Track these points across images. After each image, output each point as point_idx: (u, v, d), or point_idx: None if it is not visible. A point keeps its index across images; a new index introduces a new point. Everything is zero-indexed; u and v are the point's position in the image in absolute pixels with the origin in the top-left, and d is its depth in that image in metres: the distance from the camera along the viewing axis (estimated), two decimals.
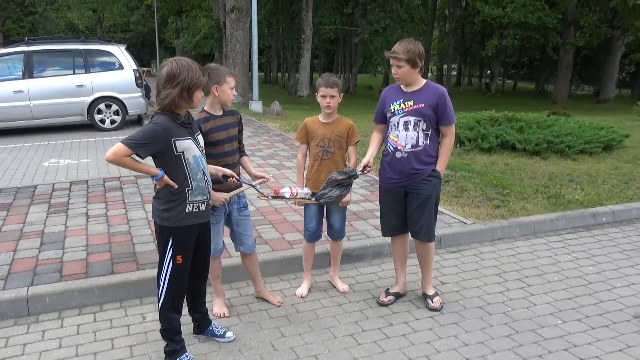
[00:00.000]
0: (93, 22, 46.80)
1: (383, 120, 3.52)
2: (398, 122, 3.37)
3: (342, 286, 3.85)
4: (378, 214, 5.09)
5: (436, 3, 35.29)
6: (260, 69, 21.96)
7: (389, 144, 3.46)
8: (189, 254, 2.86)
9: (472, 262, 4.36)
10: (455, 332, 3.25)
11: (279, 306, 3.58)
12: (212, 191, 3.11)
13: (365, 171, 3.43)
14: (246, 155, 3.50)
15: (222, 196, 3.11)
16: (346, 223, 4.80)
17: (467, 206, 5.40)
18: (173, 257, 2.78)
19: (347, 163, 3.68)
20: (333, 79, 3.50)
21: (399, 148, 3.38)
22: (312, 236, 3.71)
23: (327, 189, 3.31)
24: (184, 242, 2.81)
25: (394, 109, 3.39)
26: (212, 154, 3.20)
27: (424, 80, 3.39)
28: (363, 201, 5.55)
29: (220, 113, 3.27)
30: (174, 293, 2.85)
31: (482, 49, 31.68)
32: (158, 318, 2.92)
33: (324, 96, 3.49)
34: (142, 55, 50.58)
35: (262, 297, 3.68)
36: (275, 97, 18.01)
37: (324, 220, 3.75)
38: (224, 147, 3.25)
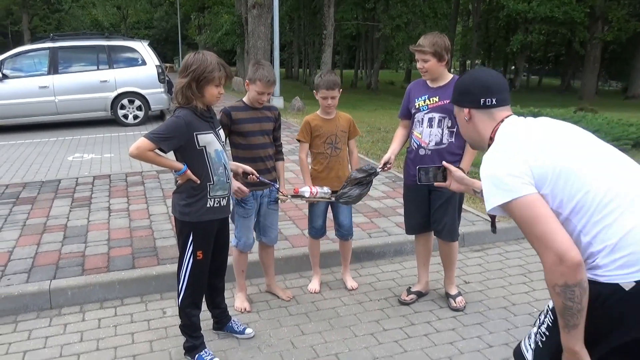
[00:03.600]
0: (117, 19, 47.48)
1: (408, 116, 3.44)
2: (422, 119, 3.29)
3: (350, 283, 3.81)
4: (400, 211, 5.05)
5: None
6: (281, 65, 22.03)
7: (412, 141, 3.38)
8: (209, 250, 2.84)
9: (496, 261, 4.26)
10: (479, 333, 3.17)
11: (287, 301, 3.56)
12: (234, 180, 3.10)
13: (386, 168, 3.37)
14: (282, 160, 3.47)
15: (242, 187, 3.10)
16: (367, 220, 4.80)
17: None
18: (194, 252, 2.76)
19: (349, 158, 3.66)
20: (332, 79, 3.43)
21: (422, 145, 3.30)
22: (319, 233, 3.68)
23: (347, 188, 3.25)
24: (205, 238, 2.79)
25: (419, 105, 3.31)
26: (242, 144, 3.22)
27: (451, 75, 3.29)
28: (384, 198, 5.47)
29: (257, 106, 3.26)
30: (194, 289, 2.84)
31: (506, 44, 31.17)
32: (178, 314, 2.91)
33: (324, 97, 3.44)
34: (165, 51, 51.12)
35: (271, 292, 3.67)
36: (296, 92, 17.98)
37: (327, 220, 3.71)
38: (254, 139, 3.23)
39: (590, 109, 12.76)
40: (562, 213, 1.60)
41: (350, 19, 27.51)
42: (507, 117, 1.82)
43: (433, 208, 3.38)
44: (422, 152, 3.30)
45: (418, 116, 3.32)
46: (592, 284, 1.54)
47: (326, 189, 3.35)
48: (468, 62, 39.63)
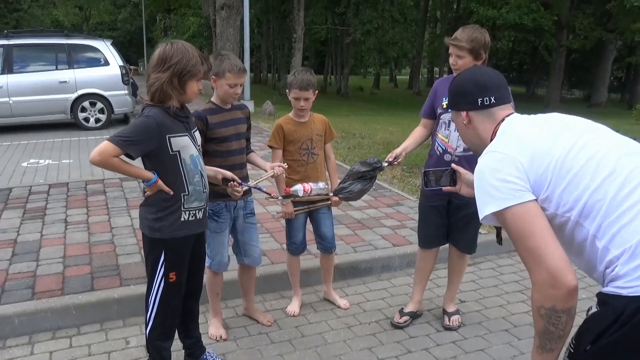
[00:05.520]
0: (79, 20, 46.12)
1: (430, 115, 3.10)
2: (450, 121, 2.94)
3: (342, 302, 3.48)
4: (385, 222, 4.74)
5: (428, 4, 35.08)
6: (250, 69, 21.56)
7: (436, 144, 3.04)
8: (183, 271, 2.45)
9: (490, 276, 3.98)
10: None
11: (269, 326, 3.20)
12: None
13: (395, 163, 2.99)
14: (253, 151, 3.11)
15: (236, 189, 2.67)
16: (351, 232, 4.46)
17: None
18: (165, 274, 2.38)
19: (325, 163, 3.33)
20: (307, 78, 3.04)
21: (448, 150, 2.95)
22: (300, 248, 3.33)
23: (348, 183, 2.85)
24: (179, 257, 2.41)
25: (446, 104, 2.96)
26: (218, 151, 2.82)
27: None
28: (367, 208, 5.15)
29: (229, 106, 2.88)
30: (165, 317, 2.44)
31: None
32: (145, 345, 2.51)
33: (297, 98, 3.07)
34: (130, 54, 49.86)
35: (250, 316, 3.29)
36: (266, 97, 17.58)
37: (308, 232, 3.37)
38: (231, 144, 2.85)
39: None
40: (570, 217, 1.40)
41: (320, 23, 27.29)
42: (507, 115, 1.64)
43: (454, 218, 3.07)
44: (447, 157, 2.95)
45: (445, 117, 2.97)
46: (614, 299, 1.32)
47: (322, 184, 2.97)
48: (436, 69, 39.98)
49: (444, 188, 2.10)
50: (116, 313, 3.25)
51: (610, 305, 1.33)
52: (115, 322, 3.21)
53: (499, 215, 1.45)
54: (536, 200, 1.42)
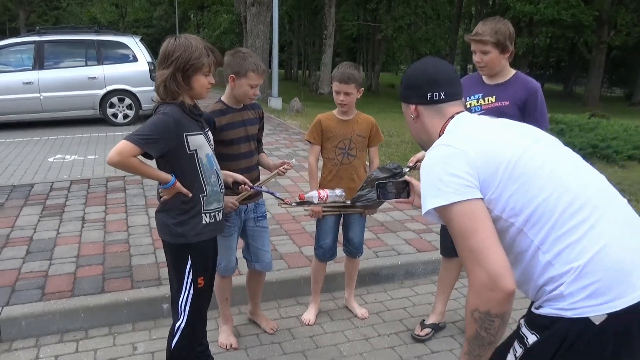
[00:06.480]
0: (116, 17, 46.95)
1: None
2: None
3: (360, 311, 3.29)
4: (410, 225, 4.52)
5: (462, 0, 34.35)
6: (280, 65, 21.48)
7: None
8: (209, 274, 2.36)
9: None
10: None
11: (272, 333, 3.05)
12: None
13: (417, 166, 2.79)
14: (263, 152, 2.97)
15: (230, 200, 2.57)
16: (373, 236, 4.26)
17: None
18: (194, 280, 2.27)
19: (367, 169, 3.12)
20: (349, 71, 2.87)
21: None
22: (327, 254, 3.14)
23: (366, 190, 2.67)
24: (205, 260, 2.32)
25: (471, 104, 2.76)
26: (225, 154, 2.65)
27: (513, 71, 2.72)
28: (391, 210, 4.93)
29: (240, 106, 2.72)
30: (193, 326, 2.34)
31: None
32: (166, 355, 2.37)
33: (337, 92, 2.91)
34: None
35: (255, 320, 3.15)
36: (295, 94, 17.48)
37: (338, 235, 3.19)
38: (240, 147, 2.70)
39: (602, 115, 12.26)
40: (515, 223, 1.36)
41: (351, 19, 27.03)
42: (457, 113, 1.59)
43: None
44: None
45: None
46: (556, 322, 1.29)
47: (339, 191, 2.79)
48: (470, 66, 39.16)
49: (396, 200, 2.01)
50: (126, 317, 3.15)
51: (552, 329, 1.30)
52: (124, 326, 3.11)
53: (443, 210, 1.38)
54: (482, 199, 1.37)
